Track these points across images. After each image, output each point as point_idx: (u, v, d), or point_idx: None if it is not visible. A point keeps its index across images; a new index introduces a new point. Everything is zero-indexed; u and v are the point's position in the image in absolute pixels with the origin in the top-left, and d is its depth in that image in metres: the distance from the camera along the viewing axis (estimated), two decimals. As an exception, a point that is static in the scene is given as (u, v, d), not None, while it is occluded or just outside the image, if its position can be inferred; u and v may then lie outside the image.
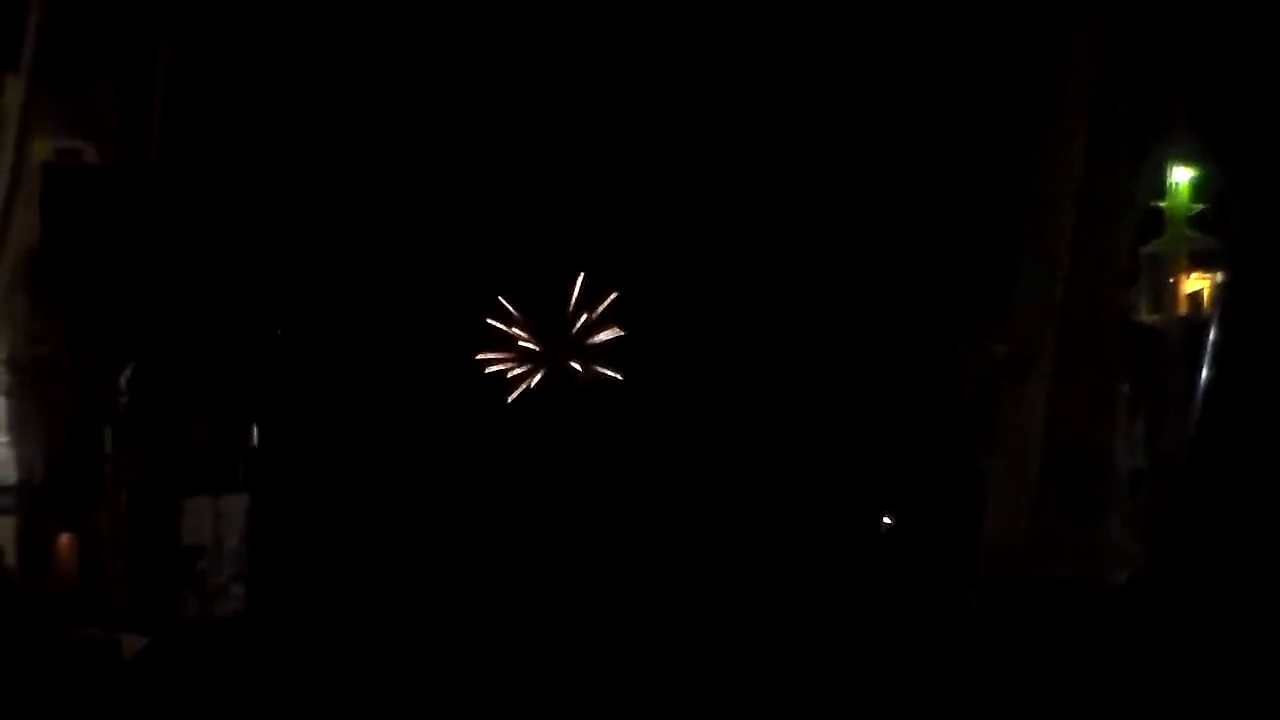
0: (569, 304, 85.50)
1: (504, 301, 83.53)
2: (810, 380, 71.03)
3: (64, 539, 53.85)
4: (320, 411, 64.54)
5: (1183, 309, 56.64)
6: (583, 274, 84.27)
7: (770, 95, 68.62)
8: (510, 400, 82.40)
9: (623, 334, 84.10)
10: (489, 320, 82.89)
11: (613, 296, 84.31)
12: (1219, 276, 55.98)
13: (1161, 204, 56.78)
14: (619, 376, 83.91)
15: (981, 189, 59.04)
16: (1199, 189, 56.53)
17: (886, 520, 71.10)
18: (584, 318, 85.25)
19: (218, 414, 56.28)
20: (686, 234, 73.13)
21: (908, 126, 64.01)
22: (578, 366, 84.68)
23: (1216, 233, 56.15)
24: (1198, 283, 56.65)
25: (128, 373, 55.02)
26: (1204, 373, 56.21)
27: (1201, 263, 56.72)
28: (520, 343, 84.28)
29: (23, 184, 54.45)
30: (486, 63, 68.72)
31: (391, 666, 49.42)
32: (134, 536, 54.01)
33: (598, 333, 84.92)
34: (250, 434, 56.53)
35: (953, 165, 61.88)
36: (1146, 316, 56.83)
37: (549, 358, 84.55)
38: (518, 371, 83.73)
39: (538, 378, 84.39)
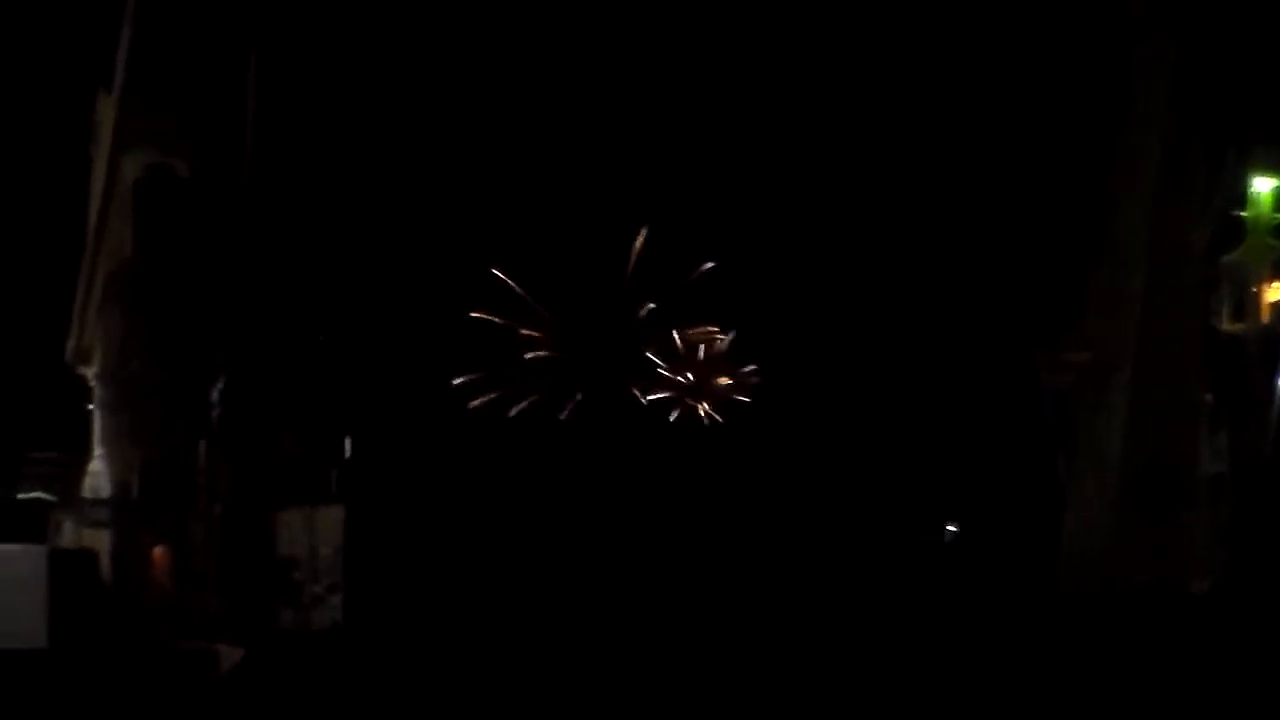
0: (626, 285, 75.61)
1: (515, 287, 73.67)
2: (891, 389, 70.79)
3: (158, 551, 54.25)
4: (412, 423, 64.75)
5: (1264, 317, 56.59)
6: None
7: (854, 111, 68.33)
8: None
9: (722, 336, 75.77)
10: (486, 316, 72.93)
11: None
12: (1302, 285, 56.36)
13: (1243, 213, 56.72)
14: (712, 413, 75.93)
15: (1060, 199, 59.04)
16: (1280, 198, 56.65)
17: (951, 528, 71.46)
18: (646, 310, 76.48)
19: (310, 427, 56.44)
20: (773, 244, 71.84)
21: (985, 136, 64.05)
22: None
23: (1298, 242, 56.43)
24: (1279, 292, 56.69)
25: (220, 386, 55.29)
26: (1286, 380, 56.73)
27: (1283, 272, 56.85)
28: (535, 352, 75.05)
29: (115, 200, 55.21)
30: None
31: (488, 675, 49.62)
32: (229, 548, 54.37)
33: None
34: (343, 446, 56.78)
35: (1031, 176, 61.92)
36: (1228, 325, 56.72)
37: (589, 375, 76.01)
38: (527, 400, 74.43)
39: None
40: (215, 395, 55.20)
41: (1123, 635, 52.24)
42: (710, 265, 74.91)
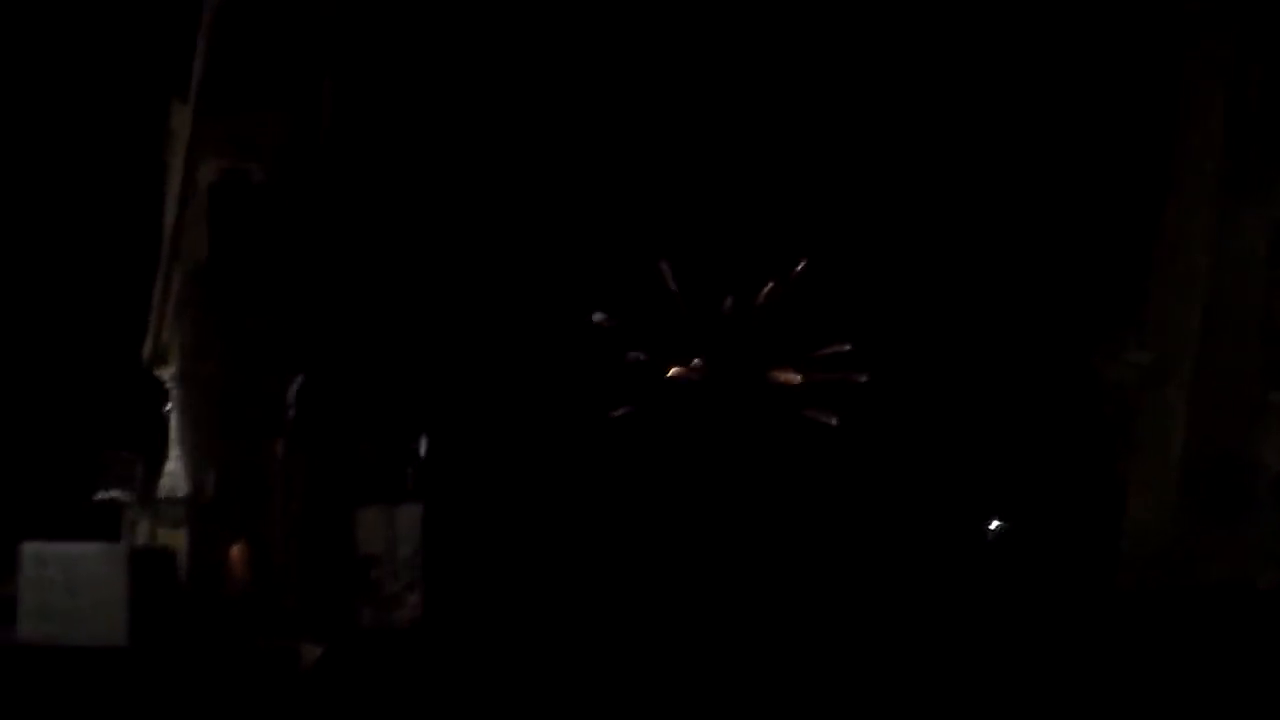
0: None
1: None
2: (947, 386, 70.44)
3: (236, 549, 54.90)
4: (489, 420, 64.79)
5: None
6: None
7: (913, 105, 68.18)
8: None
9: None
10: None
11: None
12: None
13: (1309, 209, 56.48)
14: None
15: (1119, 191, 58.92)
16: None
17: (995, 524, 71.57)
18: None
19: (387, 426, 56.86)
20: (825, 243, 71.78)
21: (1044, 130, 63.98)
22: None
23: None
24: (1345, 287, 56.37)
25: (296, 386, 55.87)
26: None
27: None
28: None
29: (191, 205, 55.68)
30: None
31: (566, 673, 49.81)
32: (307, 546, 54.97)
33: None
34: (419, 444, 57.15)
35: (1090, 168, 61.81)
36: (1292, 319, 56.50)
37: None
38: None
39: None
40: (292, 395, 55.72)
41: (1187, 632, 51.80)
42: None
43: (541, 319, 69.35)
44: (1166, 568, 55.66)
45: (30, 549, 51.35)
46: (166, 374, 57.47)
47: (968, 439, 69.05)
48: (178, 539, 55.28)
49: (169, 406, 57.60)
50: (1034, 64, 64.48)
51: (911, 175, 68.98)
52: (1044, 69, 64.21)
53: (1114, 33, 59.57)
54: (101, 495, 57.03)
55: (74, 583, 50.67)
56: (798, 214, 71.63)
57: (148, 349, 57.70)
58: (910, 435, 69.80)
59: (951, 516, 68.77)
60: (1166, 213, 57.31)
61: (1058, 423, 64.13)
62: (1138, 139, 57.99)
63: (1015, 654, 52.05)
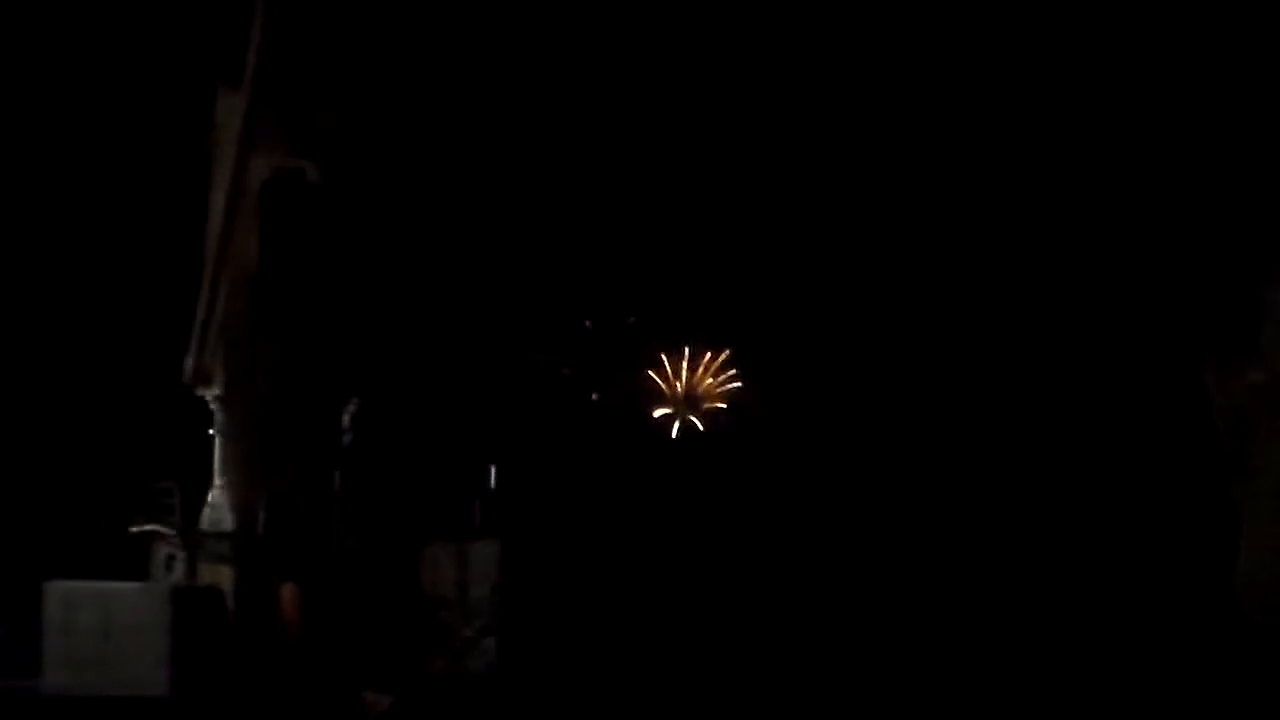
0: None
1: None
2: (1052, 410, 68.05)
3: (288, 589, 51.06)
4: (568, 445, 61.86)
5: None
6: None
7: (1019, 104, 66.11)
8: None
9: None
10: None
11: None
12: None
13: None
14: None
15: (1231, 197, 56.46)
16: None
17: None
18: None
19: (453, 451, 53.84)
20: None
21: (1155, 136, 61.95)
22: None
23: None
24: None
25: (352, 408, 52.61)
26: None
27: None
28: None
29: (240, 205, 51.95)
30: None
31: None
32: (368, 586, 51.60)
33: None
34: (488, 475, 54.06)
35: (1199, 172, 59.51)
36: None
37: None
38: None
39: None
40: (348, 418, 52.59)
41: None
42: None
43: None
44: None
45: (56, 589, 47.74)
46: (210, 395, 53.97)
47: (1070, 458, 66.65)
48: (221, 576, 51.51)
49: (213, 430, 54.16)
50: (1150, 71, 62.39)
51: (1011, 182, 66.60)
52: (1159, 76, 62.08)
53: (1231, 38, 57.18)
54: (136, 528, 53.15)
55: (108, 626, 47.29)
56: (887, 218, 68.88)
57: (189, 367, 54.12)
58: (1007, 456, 67.36)
59: (1058, 540, 66.57)
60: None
61: (1168, 445, 61.38)
62: (1253, 132, 55.29)
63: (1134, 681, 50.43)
